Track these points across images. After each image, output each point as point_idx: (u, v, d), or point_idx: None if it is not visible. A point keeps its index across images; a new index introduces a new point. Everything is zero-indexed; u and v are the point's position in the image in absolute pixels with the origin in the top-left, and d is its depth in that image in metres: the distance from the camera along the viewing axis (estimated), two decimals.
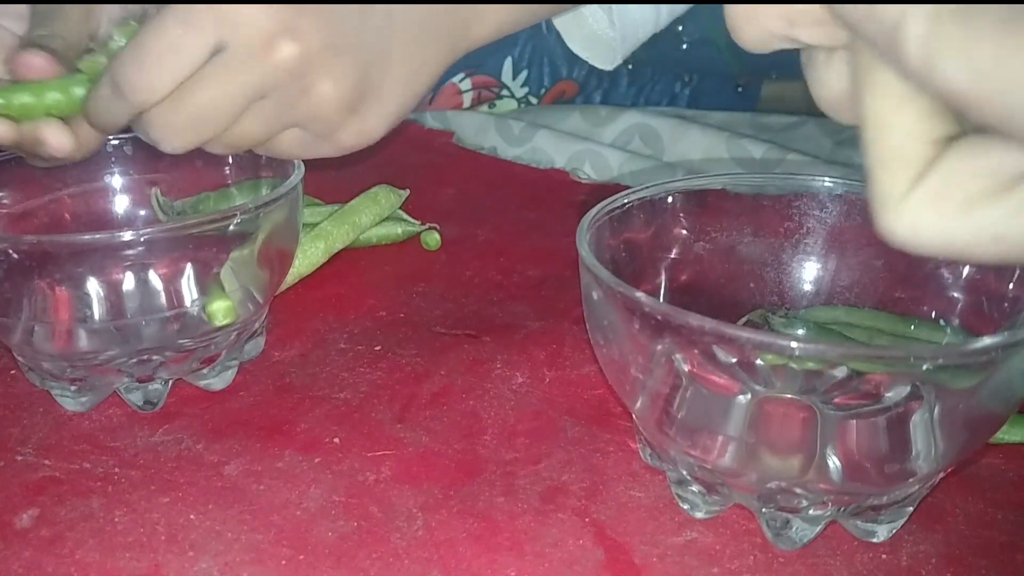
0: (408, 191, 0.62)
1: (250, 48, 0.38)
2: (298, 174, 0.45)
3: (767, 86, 0.95)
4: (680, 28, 0.88)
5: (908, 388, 0.34)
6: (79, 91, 0.40)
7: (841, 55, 0.25)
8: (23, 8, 0.42)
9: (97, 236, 0.39)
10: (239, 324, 0.44)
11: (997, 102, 0.20)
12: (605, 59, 0.62)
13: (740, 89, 0.94)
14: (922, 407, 0.33)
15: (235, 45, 0.38)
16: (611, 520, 0.37)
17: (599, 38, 0.61)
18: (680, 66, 0.91)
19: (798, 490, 0.34)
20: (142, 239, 0.39)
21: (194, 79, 0.38)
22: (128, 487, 0.39)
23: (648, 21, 0.59)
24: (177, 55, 0.37)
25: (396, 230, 0.60)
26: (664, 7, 0.61)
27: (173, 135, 0.39)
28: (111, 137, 0.51)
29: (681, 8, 0.63)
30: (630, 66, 0.91)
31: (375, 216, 0.59)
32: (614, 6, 0.55)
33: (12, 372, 0.46)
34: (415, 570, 0.34)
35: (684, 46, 0.88)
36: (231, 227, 0.41)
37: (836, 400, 0.34)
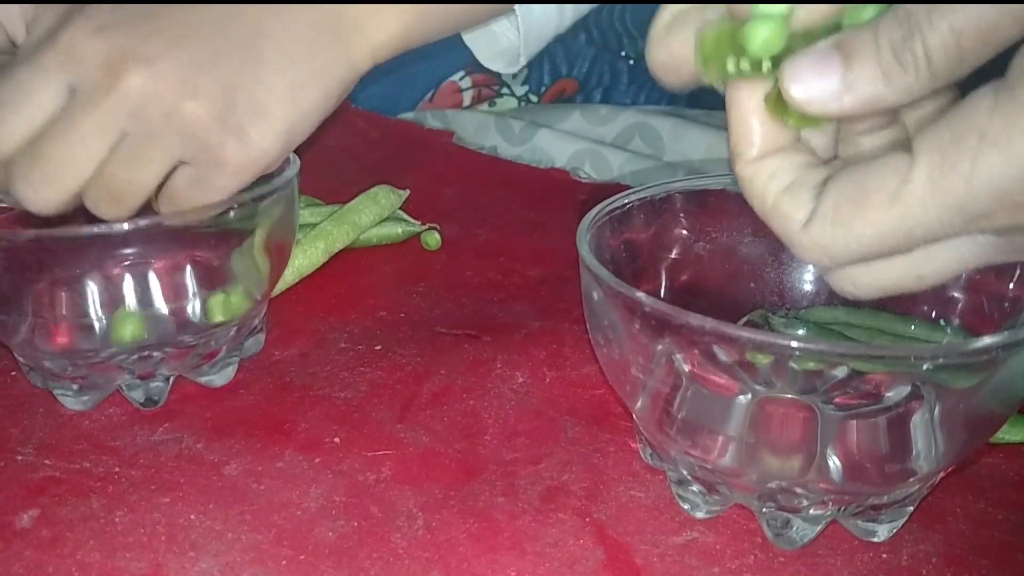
0: (408, 191, 0.62)
1: (96, 82, 0.36)
2: (293, 167, 0.45)
3: None
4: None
5: (908, 388, 0.34)
6: None
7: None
8: (15, 9, 0.41)
9: (93, 229, 0.38)
10: (238, 319, 0.44)
11: None
12: (509, 64, 0.61)
13: None
14: (922, 407, 0.33)
15: (82, 83, 0.36)
16: (611, 520, 0.37)
17: (507, 50, 0.61)
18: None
19: (798, 490, 0.34)
20: (139, 233, 0.39)
21: (48, 126, 0.36)
22: (128, 487, 0.39)
23: (551, 22, 0.59)
24: (25, 100, 0.36)
25: (396, 230, 0.60)
26: (568, 8, 0.60)
27: (32, 189, 0.37)
28: None
29: (585, 8, 0.62)
30: (632, 62, 0.91)
31: (375, 216, 0.59)
32: (518, 9, 0.53)
33: (12, 373, 0.46)
34: (415, 570, 0.34)
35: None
36: (228, 221, 0.41)
37: (836, 400, 0.34)
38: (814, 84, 0.25)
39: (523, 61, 0.60)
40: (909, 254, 0.27)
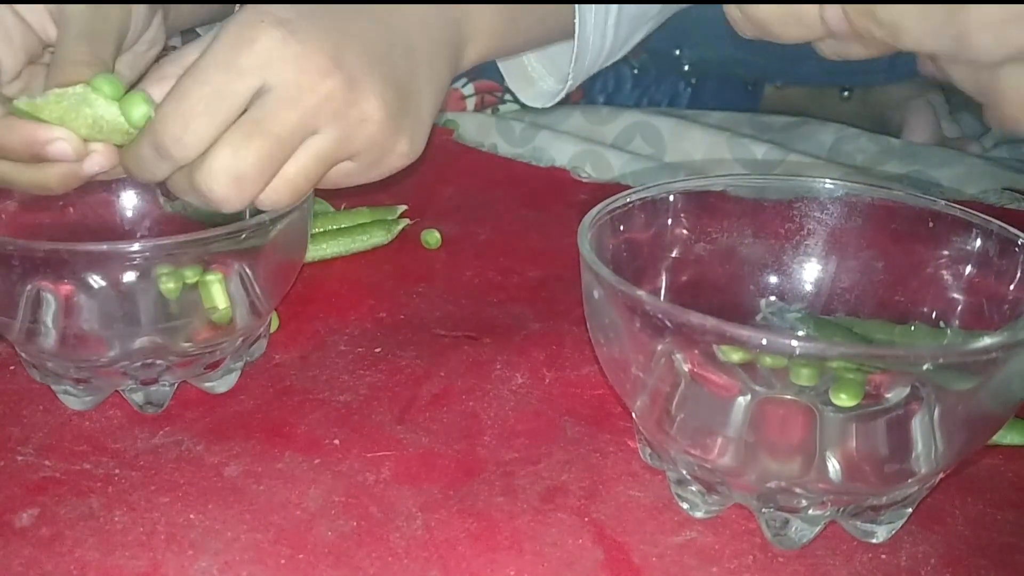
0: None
1: (299, 85, 0.36)
2: None
3: (770, 88, 0.95)
4: (677, 53, 0.89)
5: (908, 389, 0.34)
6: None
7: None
8: (41, 10, 0.41)
9: (108, 246, 0.38)
10: (244, 330, 0.44)
11: None
12: (546, 102, 0.63)
13: (750, 88, 0.94)
14: (922, 408, 0.33)
15: (282, 85, 0.36)
16: (610, 520, 0.37)
17: (546, 93, 0.62)
18: (684, 71, 0.91)
19: (798, 490, 0.34)
20: (150, 247, 0.39)
21: (237, 126, 0.36)
22: (128, 487, 0.39)
23: (599, 57, 0.60)
24: (221, 104, 0.35)
25: (383, 233, 0.60)
26: (616, 45, 0.61)
27: (229, 188, 0.36)
28: None
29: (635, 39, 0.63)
30: (635, 71, 0.91)
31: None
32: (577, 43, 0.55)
33: (12, 367, 0.46)
34: (414, 570, 0.34)
35: (686, 67, 0.89)
36: (241, 238, 0.41)
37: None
38: None
39: (561, 96, 0.61)
40: None
